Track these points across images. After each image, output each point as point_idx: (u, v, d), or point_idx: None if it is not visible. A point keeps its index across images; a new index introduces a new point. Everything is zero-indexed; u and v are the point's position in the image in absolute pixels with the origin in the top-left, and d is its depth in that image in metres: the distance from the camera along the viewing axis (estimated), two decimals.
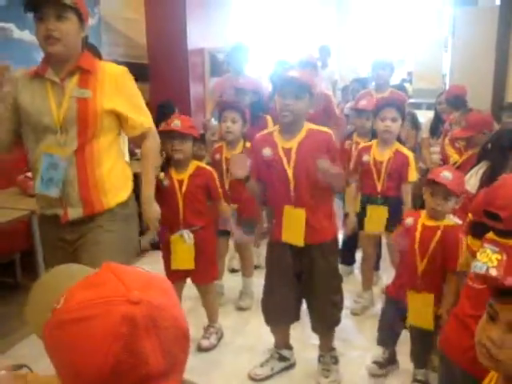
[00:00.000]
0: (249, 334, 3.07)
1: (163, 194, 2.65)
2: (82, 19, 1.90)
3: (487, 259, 1.71)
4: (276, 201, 2.38)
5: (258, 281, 3.48)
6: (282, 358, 2.69)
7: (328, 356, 2.60)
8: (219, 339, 2.99)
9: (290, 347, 2.72)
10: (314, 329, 2.55)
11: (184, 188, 2.71)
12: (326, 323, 2.52)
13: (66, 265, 0.97)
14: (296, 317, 2.54)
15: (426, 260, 2.26)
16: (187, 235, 2.68)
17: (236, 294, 3.47)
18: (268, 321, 2.57)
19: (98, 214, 1.98)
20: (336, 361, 2.62)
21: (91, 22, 4.80)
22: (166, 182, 2.72)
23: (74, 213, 1.95)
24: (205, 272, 2.81)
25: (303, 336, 2.82)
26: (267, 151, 2.31)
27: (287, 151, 2.28)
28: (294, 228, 2.30)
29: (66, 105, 1.88)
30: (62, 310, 0.72)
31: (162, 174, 2.74)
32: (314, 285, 2.39)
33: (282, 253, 2.39)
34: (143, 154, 2.15)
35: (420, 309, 2.28)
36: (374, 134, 3.39)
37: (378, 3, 11.66)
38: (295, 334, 2.73)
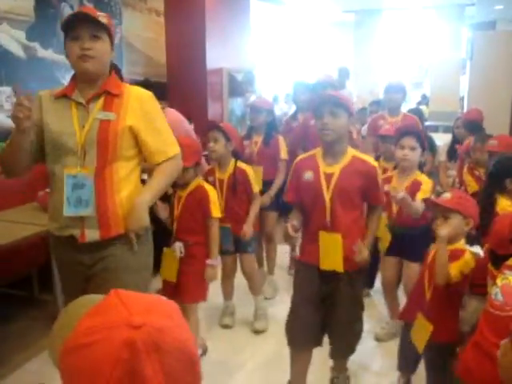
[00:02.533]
0: (262, 355, 3.04)
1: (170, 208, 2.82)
2: (112, 40, 1.93)
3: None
4: (311, 224, 2.34)
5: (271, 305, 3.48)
6: None
7: (342, 377, 2.58)
8: (203, 353, 2.94)
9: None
10: (333, 356, 2.50)
11: (181, 204, 2.77)
12: (344, 351, 2.48)
13: (82, 297, 0.97)
14: (319, 341, 2.46)
15: (432, 286, 2.22)
16: (179, 248, 2.72)
17: (248, 314, 3.43)
18: (291, 343, 2.49)
19: (115, 238, 1.96)
20: (348, 381, 2.61)
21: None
22: (171, 199, 2.84)
23: (92, 235, 1.93)
24: (188, 290, 2.75)
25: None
26: (309, 174, 2.29)
27: (328, 176, 2.25)
28: (333, 253, 2.27)
29: (88, 126, 1.89)
30: (70, 338, 0.73)
31: (170, 189, 2.83)
32: (337, 311, 2.35)
33: (310, 276, 2.35)
34: (160, 167, 2.02)
35: (420, 332, 2.26)
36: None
37: (396, 26, 11.75)
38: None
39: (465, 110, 6.98)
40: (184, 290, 2.74)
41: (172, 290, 2.74)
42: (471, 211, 2.24)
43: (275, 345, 3.01)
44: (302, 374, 2.53)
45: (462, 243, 2.27)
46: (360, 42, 10.95)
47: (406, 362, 2.52)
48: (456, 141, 4.55)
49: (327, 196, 2.24)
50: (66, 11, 4.26)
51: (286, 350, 2.49)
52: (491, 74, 6.57)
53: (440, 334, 2.20)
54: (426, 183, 2.87)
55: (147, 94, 2.02)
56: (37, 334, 3.12)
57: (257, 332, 3.30)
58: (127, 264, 1.98)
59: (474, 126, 4.21)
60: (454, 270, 2.14)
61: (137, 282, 1.98)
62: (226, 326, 3.34)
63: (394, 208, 2.94)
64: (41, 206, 3.30)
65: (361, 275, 2.42)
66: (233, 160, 3.16)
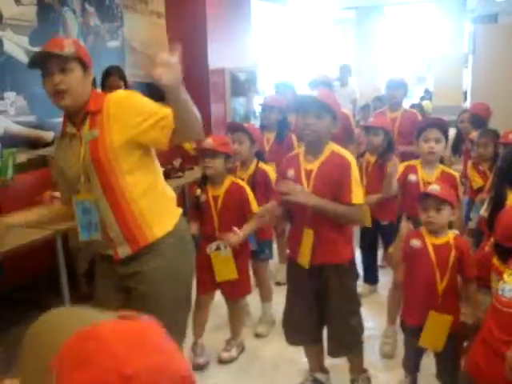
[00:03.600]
0: (273, 353, 3.05)
1: (200, 209, 2.81)
2: (86, 67, 1.91)
3: None
4: (295, 221, 2.39)
5: (276, 307, 3.48)
6: (317, 382, 2.62)
7: (360, 379, 2.56)
8: (240, 352, 3.02)
9: (325, 371, 2.65)
10: (330, 353, 2.47)
11: (219, 204, 2.78)
12: (340, 347, 2.44)
13: (62, 309, 0.82)
14: (317, 338, 2.48)
15: (446, 278, 2.25)
16: (223, 246, 2.71)
17: (257, 317, 3.43)
18: (288, 340, 2.54)
19: (146, 248, 1.95)
20: (369, 382, 2.59)
21: (115, 44, 4.92)
22: (202, 198, 2.82)
23: (124, 251, 1.96)
24: (237, 286, 2.85)
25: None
26: (291, 172, 2.32)
27: (308, 173, 2.27)
28: (304, 248, 2.29)
29: (82, 152, 1.90)
30: (61, 367, 0.65)
31: (198, 191, 2.85)
32: (330, 307, 2.35)
33: (300, 273, 2.37)
34: None
35: (436, 329, 2.25)
36: (383, 152, 3.39)
37: (397, 21, 11.71)
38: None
39: (468, 103, 6.97)
40: (235, 285, 2.82)
41: (213, 289, 2.85)
42: (455, 201, 2.34)
43: (281, 347, 3.03)
44: (318, 360, 2.61)
45: (452, 232, 2.36)
46: (361, 38, 10.93)
47: (412, 364, 2.52)
48: (460, 135, 4.55)
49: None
50: (68, 16, 4.28)
51: (290, 352, 2.51)
52: (494, 68, 6.54)
53: (456, 324, 2.24)
54: (458, 180, 2.91)
55: (122, 94, 2.00)
56: None
57: (259, 336, 3.28)
58: (163, 274, 1.96)
59: (480, 120, 4.19)
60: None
61: (174, 291, 1.99)
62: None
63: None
64: None
65: (351, 270, 2.39)
66: (255, 160, 3.18)
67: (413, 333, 2.39)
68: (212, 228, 2.80)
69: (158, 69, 1.60)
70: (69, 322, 0.74)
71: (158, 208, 1.98)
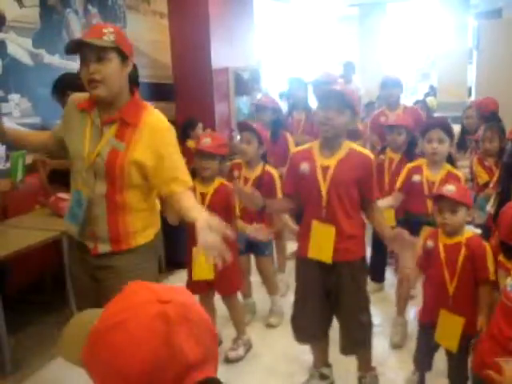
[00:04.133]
0: (278, 351, 3.05)
1: None
2: (125, 56, 1.84)
3: None
4: (307, 216, 2.36)
5: (285, 299, 3.50)
6: (323, 377, 2.65)
7: (368, 376, 2.56)
8: (247, 351, 3.03)
9: (329, 365, 2.67)
10: (342, 349, 2.49)
11: (206, 202, 2.79)
12: (352, 344, 2.46)
13: (92, 309, 0.99)
14: (324, 334, 2.51)
15: (456, 279, 2.22)
16: None
17: (266, 311, 3.46)
18: (297, 338, 2.55)
19: (125, 251, 1.98)
20: (377, 380, 2.59)
21: None
22: None
23: (104, 249, 1.97)
24: (227, 283, 2.87)
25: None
26: (305, 166, 2.30)
27: (325, 168, 2.25)
28: (323, 244, 2.28)
29: (99, 149, 1.87)
30: (96, 327, 0.77)
31: None
32: (341, 304, 2.36)
33: (311, 269, 2.37)
34: (183, 192, 1.92)
35: (449, 329, 2.24)
36: (408, 150, 3.37)
37: (401, 18, 11.68)
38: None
39: (473, 99, 6.93)
40: (225, 282, 2.83)
41: (206, 288, 2.83)
42: (471, 203, 2.29)
43: (289, 339, 3.03)
44: (323, 356, 2.63)
45: (469, 231, 2.31)
46: (365, 35, 10.89)
47: (424, 360, 2.51)
48: (465, 131, 4.52)
49: (324, 188, 2.25)
50: (71, 17, 4.29)
51: (295, 349, 2.52)
52: (499, 63, 6.50)
53: (471, 326, 2.19)
54: (464, 181, 2.87)
55: (163, 127, 1.93)
56: (51, 338, 3.14)
57: (271, 326, 3.33)
58: (133, 270, 1.98)
59: (490, 115, 4.17)
60: (491, 269, 2.15)
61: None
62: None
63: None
64: (52, 211, 3.33)
65: (363, 266, 2.41)
66: (261, 162, 3.18)
67: (426, 330, 2.39)
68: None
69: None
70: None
71: (147, 220, 2.03)
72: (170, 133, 1.94)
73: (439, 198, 2.26)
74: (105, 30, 1.80)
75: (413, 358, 2.58)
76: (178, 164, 1.95)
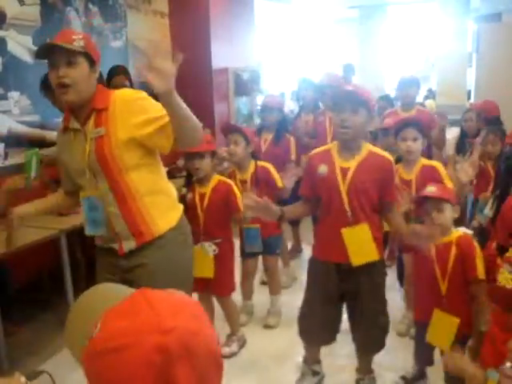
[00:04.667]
0: (274, 351, 3.05)
1: (186, 207, 2.75)
2: (93, 61, 1.89)
3: (505, 281, 1.69)
4: (328, 220, 2.31)
5: (286, 299, 3.50)
6: (315, 373, 2.67)
7: (367, 379, 2.55)
8: (240, 347, 3.05)
9: (319, 361, 2.69)
10: (359, 353, 2.48)
11: (205, 202, 2.80)
12: (371, 347, 2.45)
13: (102, 284, 0.99)
14: (333, 338, 2.48)
15: (447, 278, 2.24)
16: (209, 247, 2.76)
17: (264, 312, 3.46)
18: (305, 340, 2.53)
19: (150, 242, 1.98)
20: (374, 382, 2.59)
21: (119, 44, 4.93)
22: (189, 196, 2.86)
23: (129, 245, 1.98)
24: (223, 284, 2.90)
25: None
26: (323, 169, 2.26)
27: (345, 170, 2.22)
28: (364, 245, 2.23)
29: (88, 148, 1.91)
30: (96, 340, 0.73)
31: (184, 190, 2.89)
32: (360, 306, 2.33)
33: (327, 271, 2.33)
34: None
35: (442, 328, 2.24)
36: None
37: (401, 20, 11.69)
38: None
39: (471, 103, 6.94)
40: (219, 284, 2.86)
41: (205, 286, 2.83)
42: (454, 198, 2.31)
43: (287, 340, 3.03)
44: (316, 354, 2.64)
45: (459, 231, 2.34)
46: (365, 37, 10.89)
47: (423, 357, 2.52)
48: (464, 134, 4.52)
49: (344, 190, 2.21)
50: (72, 15, 4.29)
51: (297, 346, 2.52)
52: (498, 67, 6.52)
53: (464, 326, 2.20)
54: (441, 168, 2.86)
55: (130, 93, 1.97)
56: (48, 337, 3.15)
57: (268, 327, 3.33)
58: (165, 267, 1.99)
59: (493, 119, 4.18)
60: (480, 268, 2.16)
61: (175, 284, 1.96)
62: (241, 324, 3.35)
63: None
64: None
65: (382, 267, 2.38)
66: (253, 161, 3.19)
67: (422, 328, 2.40)
68: (198, 224, 2.79)
69: (151, 73, 1.54)
70: (113, 294, 0.87)
71: (162, 204, 2.02)
72: (140, 95, 1.91)
73: (423, 201, 2.29)
74: (74, 37, 1.84)
75: (413, 353, 2.59)
76: (157, 112, 1.84)
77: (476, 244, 2.24)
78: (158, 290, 0.78)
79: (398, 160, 3.50)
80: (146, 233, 1.96)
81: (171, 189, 2.12)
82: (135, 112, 1.86)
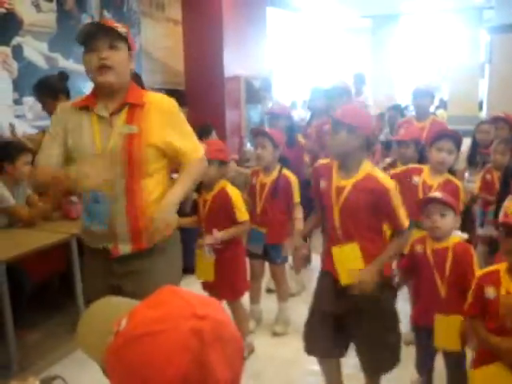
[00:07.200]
0: (283, 359, 3.05)
1: (197, 211, 2.91)
2: (130, 50, 1.92)
3: None
4: (326, 232, 2.37)
5: (295, 306, 3.50)
6: None
7: None
8: (249, 353, 3.04)
9: None
10: (364, 370, 2.38)
11: (207, 207, 2.83)
12: (377, 367, 2.35)
13: (108, 297, 0.99)
14: (341, 353, 2.39)
15: (446, 282, 2.26)
16: (208, 252, 2.78)
17: (272, 320, 3.45)
18: (308, 350, 2.44)
19: (147, 252, 1.96)
20: None
21: None
22: (198, 200, 2.93)
23: (125, 249, 1.94)
24: (228, 289, 2.89)
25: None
26: (323, 184, 2.27)
27: (340, 189, 2.19)
28: (352, 265, 2.18)
29: (112, 141, 1.86)
30: (126, 330, 0.74)
31: (194, 194, 2.96)
32: (362, 324, 2.25)
33: (331, 284, 2.29)
34: (187, 167, 1.99)
35: (447, 331, 2.24)
36: (419, 162, 3.35)
37: (413, 30, 11.68)
38: None
39: (484, 113, 6.91)
40: (226, 288, 2.86)
41: (211, 289, 2.87)
42: (458, 208, 2.34)
43: (295, 348, 3.02)
44: (335, 377, 2.48)
45: (456, 236, 2.34)
46: (377, 47, 10.92)
47: (424, 362, 2.51)
48: (476, 145, 4.48)
49: (336, 210, 2.19)
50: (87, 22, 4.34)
51: (305, 354, 2.50)
52: (511, 77, 6.50)
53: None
54: (461, 190, 2.83)
55: (168, 102, 1.98)
56: (59, 339, 3.16)
57: (276, 335, 3.32)
58: (161, 271, 1.98)
59: None
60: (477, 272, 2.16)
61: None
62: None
63: None
64: (63, 214, 3.36)
65: (388, 284, 2.29)
66: (278, 166, 3.19)
67: (423, 334, 2.39)
68: (200, 230, 2.88)
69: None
70: (123, 303, 0.91)
71: None
72: (176, 105, 2.00)
73: (428, 202, 2.30)
74: (116, 24, 1.90)
75: (415, 363, 2.56)
76: (192, 134, 2.05)
77: (472, 250, 2.26)
78: (181, 288, 0.81)
79: (393, 163, 3.51)
80: (144, 241, 1.94)
81: None
82: (170, 123, 1.93)
